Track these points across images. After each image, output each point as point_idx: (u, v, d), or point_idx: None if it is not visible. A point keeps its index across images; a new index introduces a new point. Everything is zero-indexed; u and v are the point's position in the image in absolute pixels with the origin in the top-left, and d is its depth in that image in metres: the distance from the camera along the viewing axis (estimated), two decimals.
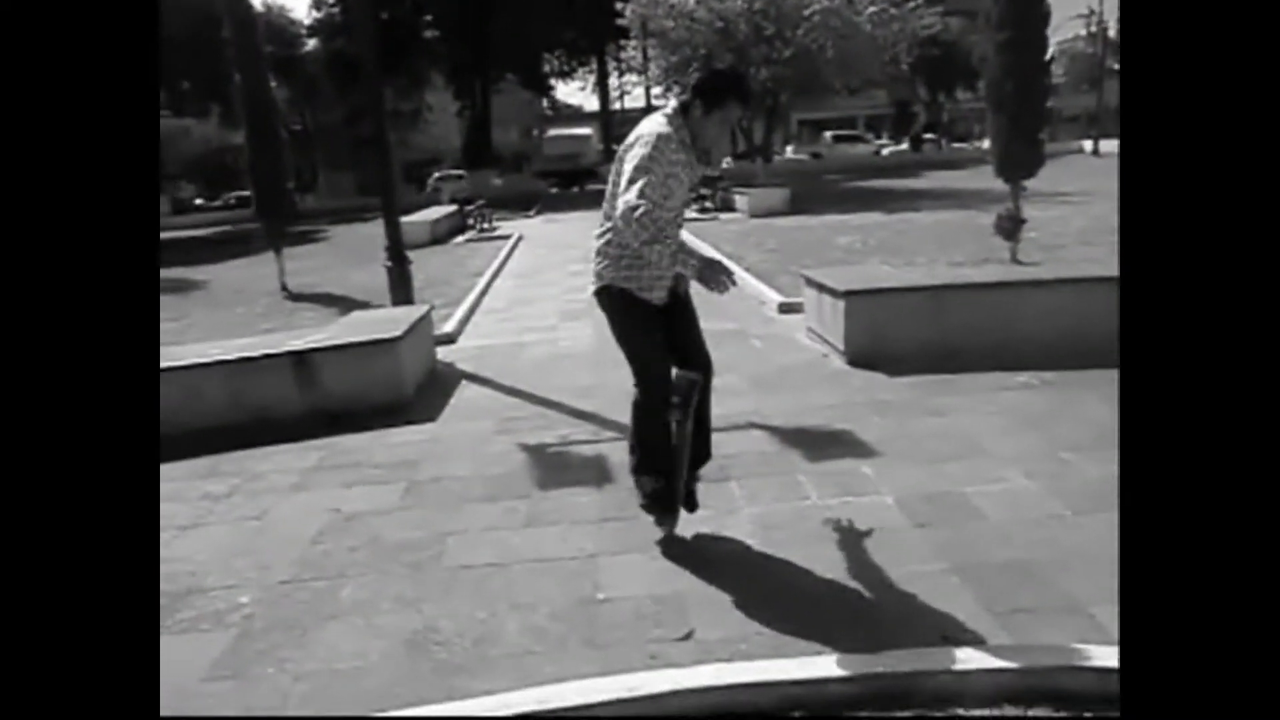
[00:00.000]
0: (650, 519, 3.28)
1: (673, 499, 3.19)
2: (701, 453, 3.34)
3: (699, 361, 3.20)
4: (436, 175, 34.64)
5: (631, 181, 2.76)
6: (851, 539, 3.19)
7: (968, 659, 2.31)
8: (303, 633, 2.81)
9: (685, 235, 2.88)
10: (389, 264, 7.40)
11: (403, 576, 3.15)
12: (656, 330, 3.06)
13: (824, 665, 2.33)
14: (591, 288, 3.13)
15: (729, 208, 18.56)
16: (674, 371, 3.14)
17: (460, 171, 35.48)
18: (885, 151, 40.90)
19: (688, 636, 2.61)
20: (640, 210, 2.67)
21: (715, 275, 2.73)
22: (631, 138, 2.97)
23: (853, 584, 2.86)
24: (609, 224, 2.99)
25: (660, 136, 2.85)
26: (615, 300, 3.05)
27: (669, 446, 3.13)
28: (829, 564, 3.01)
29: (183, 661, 2.65)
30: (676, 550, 3.19)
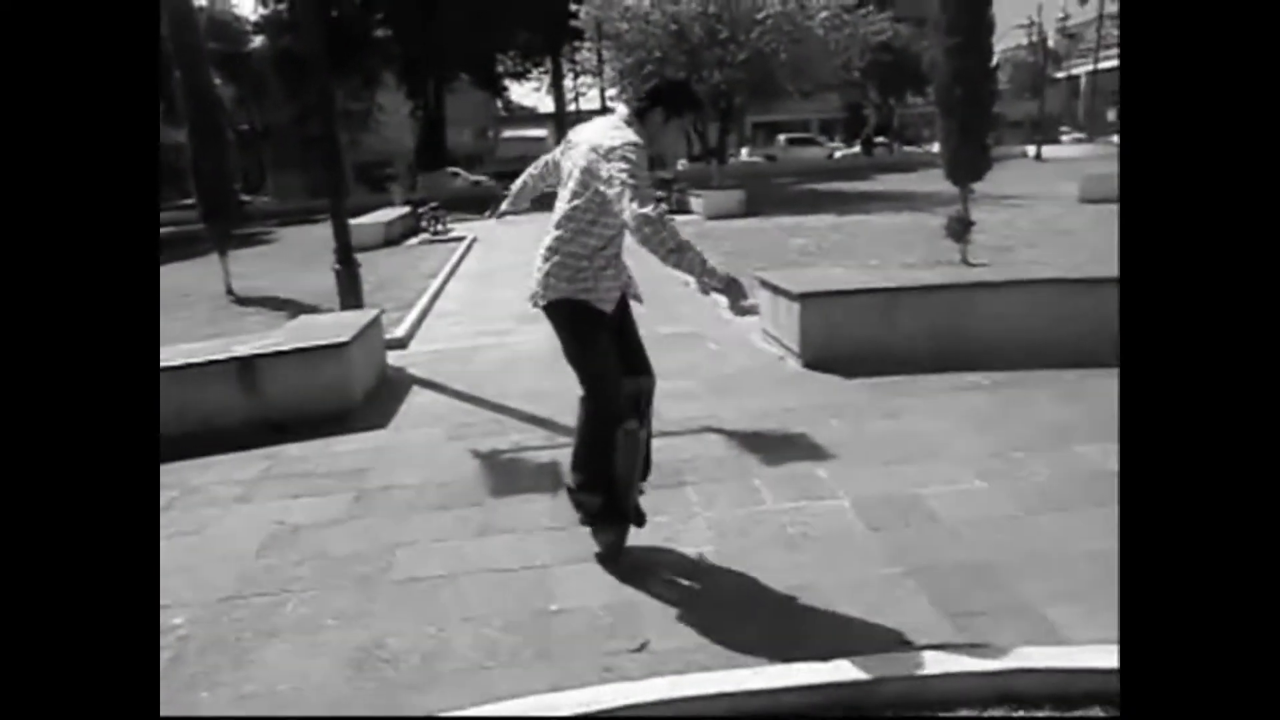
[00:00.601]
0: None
1: (625, 512, 3.11)
2: (647, 464, 3.25)
3: (646, 368, 3.12)
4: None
5: (631, 192, 2.63)
6: (809, 544, 3.17)
7: (925, 663, 2.30)
8: (241, 653, 2.69)
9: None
10: (337, 267, 7.23)
11: (349, 590, 3.05)
12: (611, 342, 2.98)
13: (780, 674, 2.29)
14: (539, 301, 2.94)
15: (684, 210, 18.60)
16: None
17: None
18: (838, 154, 41.42)
19: (642, 648, 2.56)
20: (659, 218, 2.60)
21: (739, 294, 2.68)
22: (591, 144, 2.81)
23: (809, 590, 2.84)
24: (559, 233, 2.87)
25: (638, 145, 2.76)
26: (572, 313, 2.90)
27: (613, 461, 3.02)
28: (786, 570, 2.99)
29: None
30: (631, 559, 3.13)
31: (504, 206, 3.62)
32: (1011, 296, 5.74)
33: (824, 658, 2.38)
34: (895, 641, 2.48)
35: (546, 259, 2.91)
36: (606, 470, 3.02)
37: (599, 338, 2.93)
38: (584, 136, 2.93)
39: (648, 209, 2.60)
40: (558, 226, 2.88)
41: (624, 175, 2.65)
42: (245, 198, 31.81)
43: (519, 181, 3.50)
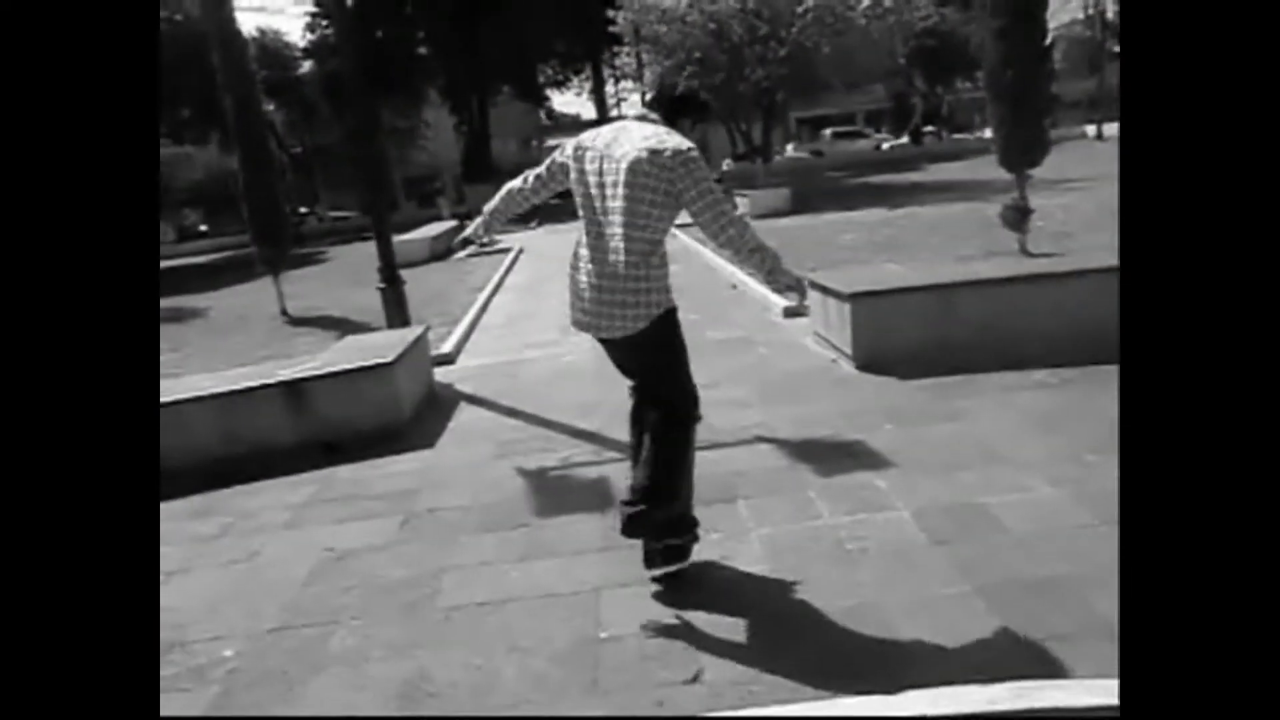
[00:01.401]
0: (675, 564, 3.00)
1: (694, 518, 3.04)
2: None
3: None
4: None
5: (721, 200, 2.70)
6: (868, 561, 3.01)
7: (1000, 699, 2.12)
8: (289, 687, 2.65)
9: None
10: (382, 286, 7.27)
11: (396, 619, 2.99)
12: None
13: (841, 709, 2.15)
14: (640, 325, 2.75)
15: None
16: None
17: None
18: (885, 146, 40.62)
19: (695, 679, 2.44)
20: (744, 221, 2.75)
21: (803, 293, 2.91)
22: (640, 149, 2.66)
23: (870, 611, 2.68)
24: (627, 245, 2.69)
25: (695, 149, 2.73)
26: (674, 322, 2.84)
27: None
28: (845, 590, 2.83)
29: None
30: (683, 580, 3.01)
31: (479, 233, 3.30)
32: (1075, 287, 5.45)
33: (888, 690, 2.23)
34: (967, 670, 2.31)
35: (629, 278, 2.72)
36: (687, 488, 2.96)
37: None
38: (609, 143, 2.79)
39: (737, 212, 2.74)
40: (625, 240, 2.69)
41: (711, 182, 2.68)
42: (303, 210, 32.69)
43: (497, 200, 3.16)
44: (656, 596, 2.92)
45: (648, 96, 3.03)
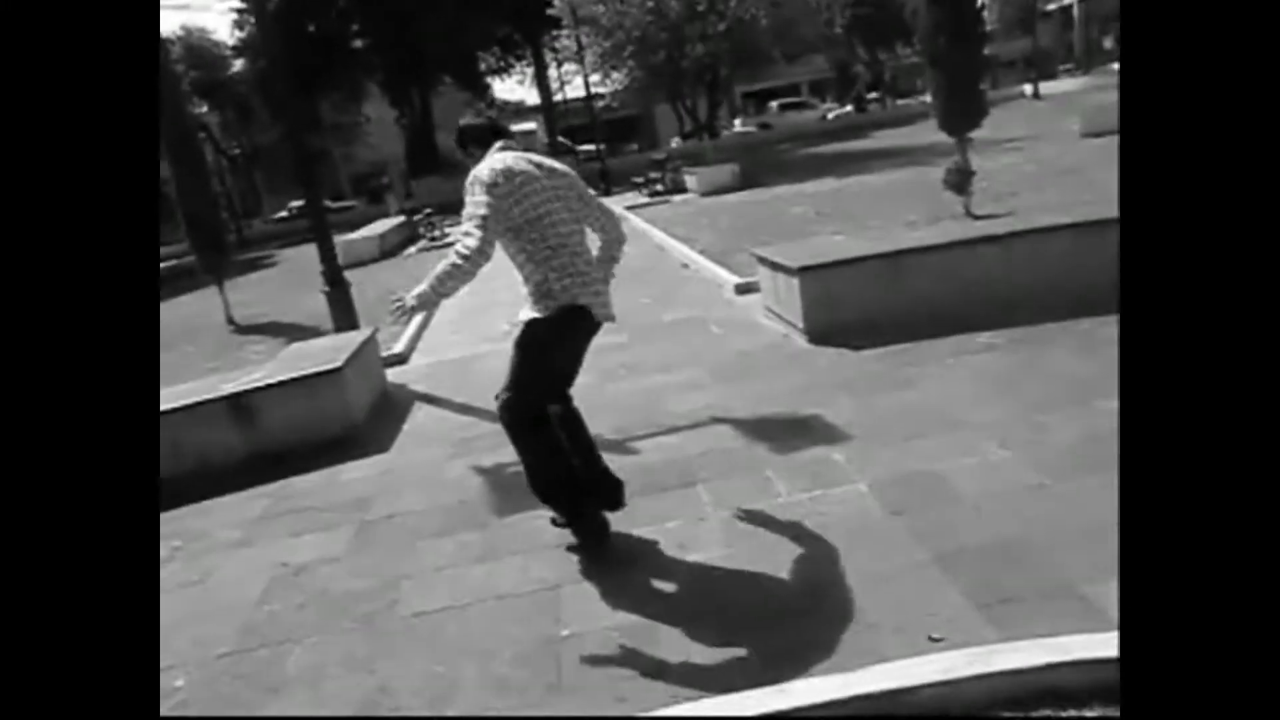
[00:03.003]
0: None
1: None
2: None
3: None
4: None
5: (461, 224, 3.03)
6: (827, 537, 3.01)
7: (956, 664, 2.14)
8: (244, 713, 2.58)
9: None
10: (326, 289, 7.10)
11: (353, 633, 2.93)
12: None
13: (806, 691, 2.14)
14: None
15: (680, 189, 18.34)
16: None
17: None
18: (831, 115, 40.76)
19: (659, 671, 2.42)
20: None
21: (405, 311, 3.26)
22: (562, 170, 3.15)
23: (831, 588, 2.69)
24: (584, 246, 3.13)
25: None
26: (536, 329, 3.15)
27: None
28: (805, 567, 2.84)
29: None
30: (644, 569, 2.99)
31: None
32: (1018, 247, 5.52)
33: (851, 666, 2.23)
34: (925, 640, 2.32)
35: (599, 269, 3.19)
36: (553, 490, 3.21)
37: None
38: (539, 167, 3.05)
39: (472, 240, 3.00)
40: (579, 242, 3.08)
41: (470, 201, 2.96)
42: (245, 223, 31.86)
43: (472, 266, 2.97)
44: (616, 591, 2.89)
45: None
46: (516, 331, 3.16)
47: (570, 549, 3.21)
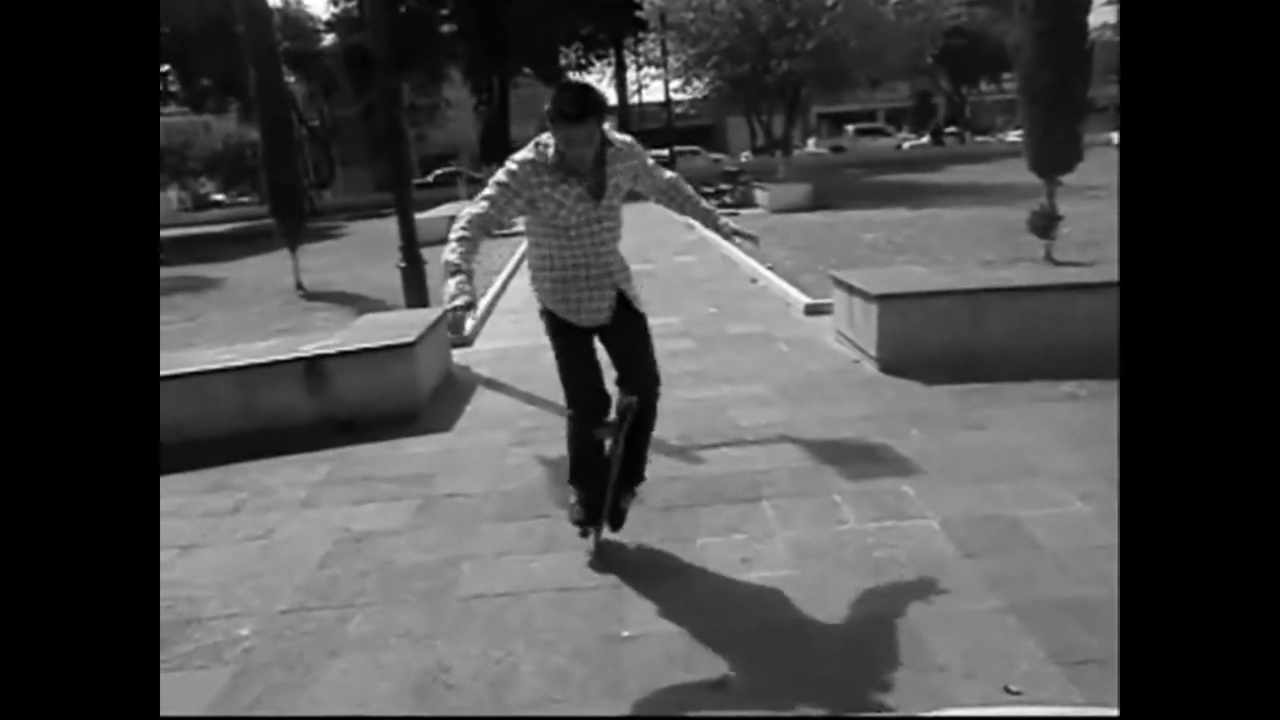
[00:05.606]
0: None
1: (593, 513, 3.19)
2: (631, 474, 3.27)
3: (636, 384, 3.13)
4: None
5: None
6: (896, 570, 2.95)
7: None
8: (305, 671, 2.61)
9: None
10: (403, 265, 7.21)
11: (413, 607, 2.95)
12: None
13: None
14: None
15: (749, 204, 18.26)
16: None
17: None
18: (906, 145, 40.29)
19: (721, 684, 2.39)
20: None
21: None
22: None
23: (899, 623, 2.62)
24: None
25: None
26: (547, 321, 3.29)
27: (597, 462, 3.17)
28: (873, 599, 2.78)
29: (176, 703, 2.46)
30: (708, 579, 2.96)
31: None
32: (1107, 298, 5.35)
33: (917, 709, 2.18)
34: (1001, 691, 2.25)
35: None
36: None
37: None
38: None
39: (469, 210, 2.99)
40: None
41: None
42: (316, 193, 32.64)
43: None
44: (678, 595, 2.87)
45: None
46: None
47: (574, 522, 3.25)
